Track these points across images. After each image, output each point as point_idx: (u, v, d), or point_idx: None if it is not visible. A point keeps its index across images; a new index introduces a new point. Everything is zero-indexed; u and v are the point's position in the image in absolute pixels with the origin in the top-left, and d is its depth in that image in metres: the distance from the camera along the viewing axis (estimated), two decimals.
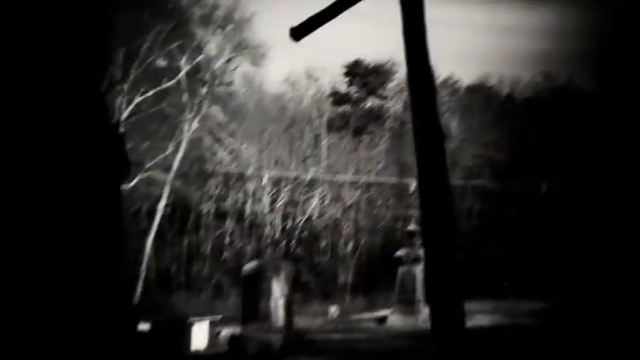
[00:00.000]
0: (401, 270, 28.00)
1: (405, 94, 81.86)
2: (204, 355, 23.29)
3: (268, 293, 19.53)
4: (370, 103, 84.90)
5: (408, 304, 27.58)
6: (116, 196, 6.88)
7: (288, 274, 20.10)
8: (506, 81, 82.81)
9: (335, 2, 10.96)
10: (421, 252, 28.34)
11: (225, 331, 46.74)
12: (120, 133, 7.18)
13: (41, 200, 6.15)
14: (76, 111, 6.57)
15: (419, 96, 10.13)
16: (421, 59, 10.21)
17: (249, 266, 20.44)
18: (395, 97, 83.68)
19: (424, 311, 27.79)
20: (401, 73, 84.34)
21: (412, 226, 30.31)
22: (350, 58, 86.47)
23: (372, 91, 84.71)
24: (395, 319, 27.43)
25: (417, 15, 10.44)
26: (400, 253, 28.51)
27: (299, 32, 11.22)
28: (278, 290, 19.64)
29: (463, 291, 8.86)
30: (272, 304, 19.59)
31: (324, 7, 10.98)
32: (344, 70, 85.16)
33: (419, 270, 27.95)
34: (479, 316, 26.38)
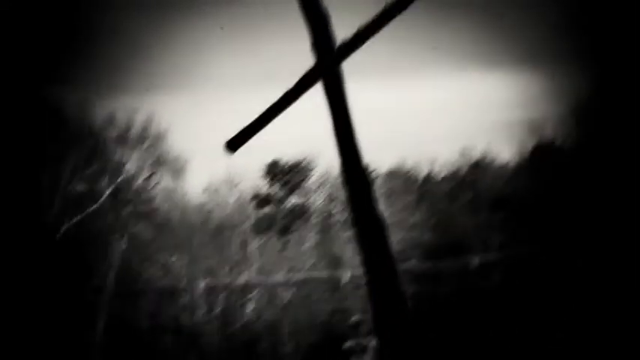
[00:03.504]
0: None
1: (327, 188, 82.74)
2: None
3: None
4: (293, 201, 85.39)
5: None
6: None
7: None
8: (423, 161, 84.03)
9: (267, 110, 11.37)
10: (368, 341, 28.65)
11: None
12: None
13: None
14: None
15: (355, 189, 10.47)
16: (352, 152, 10.59)
17: None
18: (317, 192, 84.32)
19: None
20: (320, 167, 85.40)
21: (356, 317, 30.62)
22: (267, 159, 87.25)
23: (293, 189, 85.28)
24: None
25: (342, 109, 10.88)
26: (348, 344, 28.74)
27: (234, 144, 11.56)
28: None
29: None
30: None
31: (256, 116, 11.39)
32: (263, 171, 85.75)
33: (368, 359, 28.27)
34: None
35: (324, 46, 11.35)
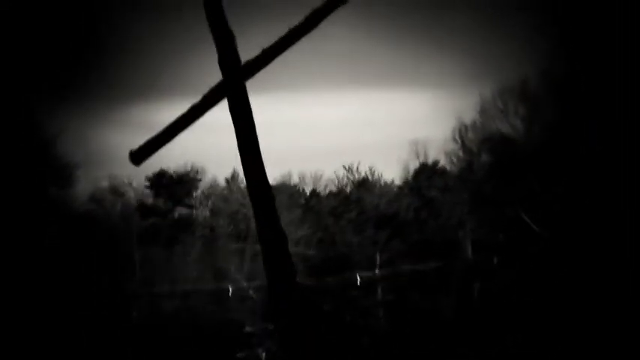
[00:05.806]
0: None
1: (212, 200, 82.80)
2: None
3: None
4: (178, 212, 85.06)
5: None
6: None
7: None
8: (308, 177, 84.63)
9: (173, 123, 11.67)
10: (260, 351, 29.06)
11: None
12: None
13: None
14: None
15: (259, 201, 10.88)
16: (256, 165, 10.98)
17: None
18: (202, 205, 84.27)
19: None
20: (205, 180, 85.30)
21: (249, 328, 31.03)
22: (153, 169, 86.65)
23: (178, 201, 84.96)
24: None
25: (248, 124, 11.28)
26: (241, 355, 29.15)
27: (139, 156, 11.81)
28: None
29: None
30: None
31: (162, 129, 11.69)
32: (148, 182, 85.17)
33: None
34: None
35: (230, 64, 11.74)
